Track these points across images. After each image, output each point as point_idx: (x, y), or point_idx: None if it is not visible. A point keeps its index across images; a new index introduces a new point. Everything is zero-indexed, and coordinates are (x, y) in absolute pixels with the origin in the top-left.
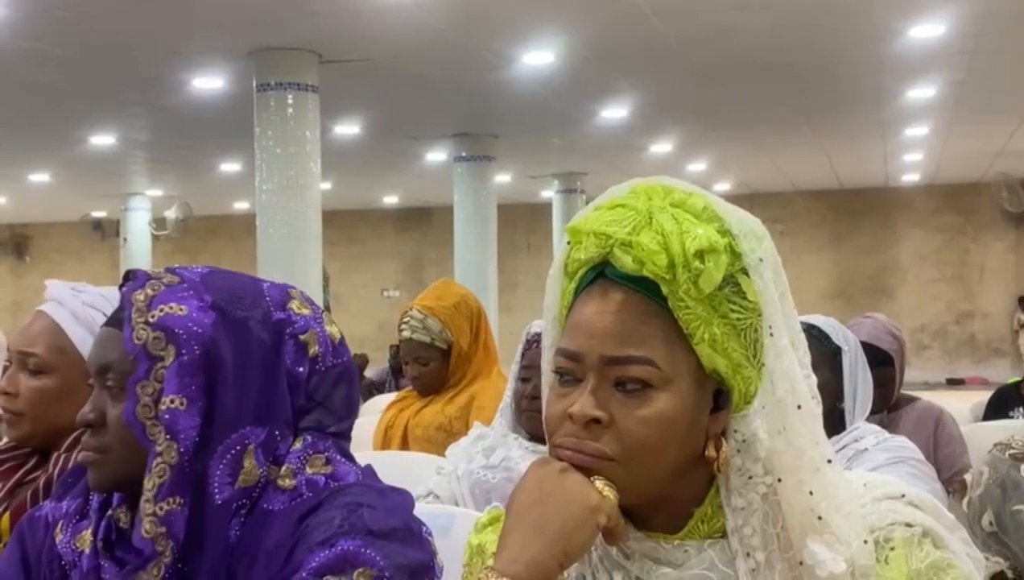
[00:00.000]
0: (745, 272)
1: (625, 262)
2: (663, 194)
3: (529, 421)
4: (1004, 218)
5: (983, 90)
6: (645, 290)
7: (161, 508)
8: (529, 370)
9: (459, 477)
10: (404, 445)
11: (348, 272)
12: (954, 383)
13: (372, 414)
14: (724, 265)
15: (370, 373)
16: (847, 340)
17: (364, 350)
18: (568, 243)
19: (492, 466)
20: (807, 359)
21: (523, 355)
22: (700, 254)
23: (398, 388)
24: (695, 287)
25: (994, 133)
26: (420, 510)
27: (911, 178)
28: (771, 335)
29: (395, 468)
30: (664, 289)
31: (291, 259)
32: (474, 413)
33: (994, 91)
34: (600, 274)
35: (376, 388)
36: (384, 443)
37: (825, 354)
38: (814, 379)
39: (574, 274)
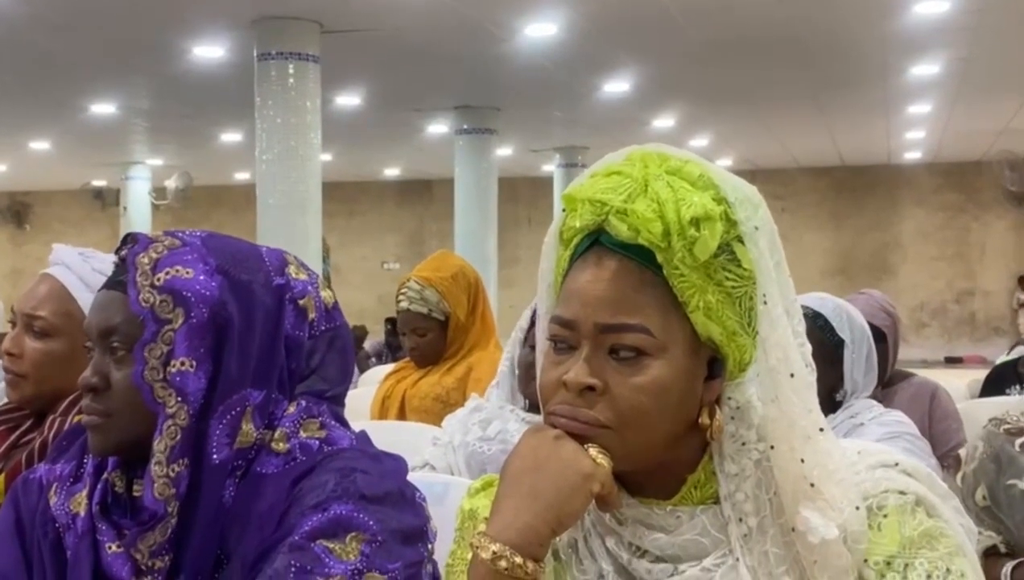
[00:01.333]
0: (740, 240)
1: (620, 230)
2: (659, 161)
3: (535, 392)
4: (1006, 197)
5: (987, 68)
6: (640, 258)
7: (173, 470)
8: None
9: (455, 448)
10: (401, 415)
11: (348, 244)
12: (952, 362)
13: (370, 385)
14: (719, 233)
15: (368, 345)
16: (852, 330)
17: (363, 322)
18: (564, 210)
19: (488, 438)
20: (801, 328)
21: (531, 325)
22: (695, 222)
23: (394, 362)
24: (690, 255)
25: (997, 111)
26: (415, 478)
27: (913, 156)
28: (765, 303)
29: (391, 438)
30: (659, 257)
31: (291, 230)
32: (471, 384)
33: (998, 69)
34: (595, 242)
35: (373, 360)
36: (381, 413)
37: (827, 346)
38: (808, 347)
39: (569, 242)
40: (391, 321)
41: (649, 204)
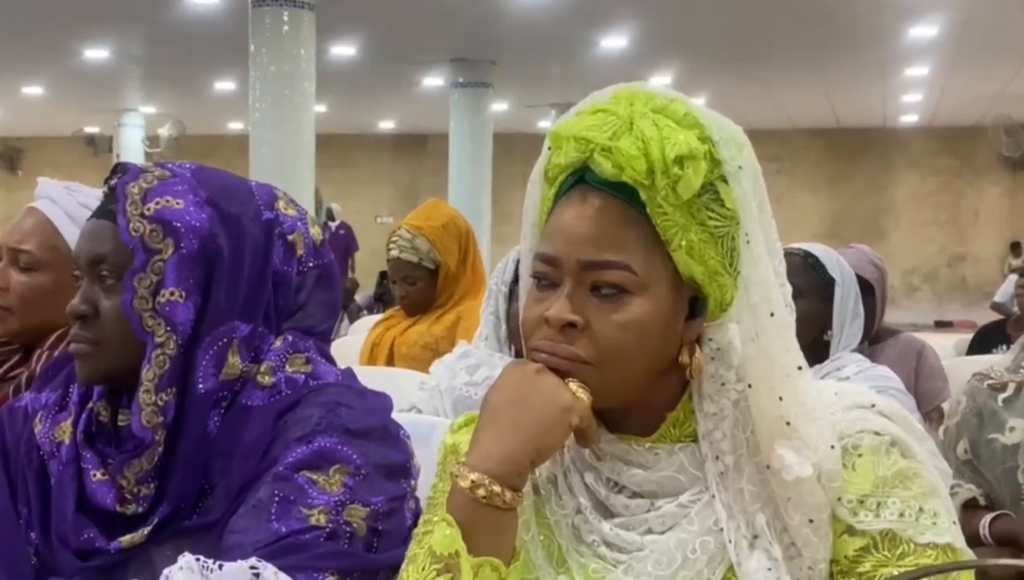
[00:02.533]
0: (724, 180)
1: (604, 167)
2: (645, 99)
3: (520, 341)
4: (1000, 163)
5: (985, 31)
6: (624, 196)
7: (161, 399)
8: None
9: (442, 393)
10: (390, 363)
11: (342, 197)
12: (942, 326)
13: (359, 333)
14: (703, 172)
15: (359, 298)
16: (843, 273)
17: (356, 275)
18: (549, 148)
19: (475, 383)
20: (782, 269)
21: (515, 277)
22: (679, 160)
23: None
24: (674, 193)
25: (995, 75)
26: (401, 418)
27: (909, 119)
28: (747, 243)
29: (379, 383)
30: (643, 195)
31: (284, 180)
32: (460, 333)
33: (996, 32)
34: (580, 180)
35: (364, 313)
36: (370, 360)
37: (818, 283)
38: (789, 288)
39: (554, 180)
40: (383, 274)
41: (634, 142)
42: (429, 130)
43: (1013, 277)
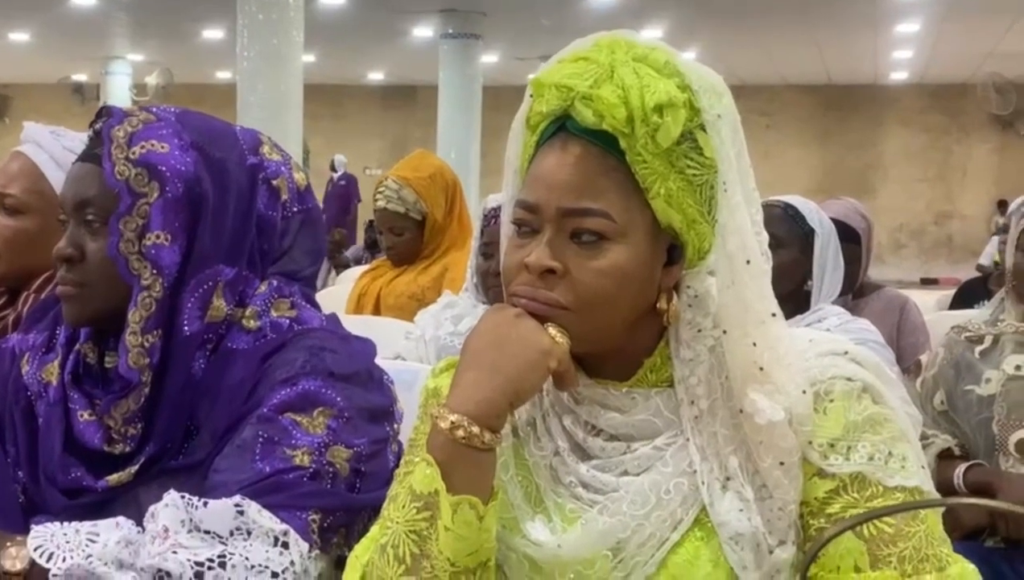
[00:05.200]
0: (703, 128)
1: (585, 115)
2: (626, 48)
3: (496, 297)
4: (990, 121)
5: None
6: (604, 144)
7: (147, 340)
8: (490, 246)
9: (426, 341)
10: (376, 312)
11: (331, 148)
12: (928, 283)
13: (346, 283)
14: (683, 120)
15: (348, 250)
16: (822, 224)
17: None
18: (531, 95)
19: (460, 333)
20: (759, 217)
21: (482, 232)
22: (659, 109)
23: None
24: (653, 141)
25: (986, 33)
26: (386, 366)
27: (900, 76)
28: (725, 191)
29: (365, 332)
30: (623, 143)
31: (271, 130)
32: (446, 284)
33: None
34: (561, 127)
35: (352, 265)
36: (357, 310)
37: (798, 234)
38: (765, 236)
39: (536, 127)
40: (371, 222)
41: (614, 90)
42: (418, 82)
43: (996, 238)
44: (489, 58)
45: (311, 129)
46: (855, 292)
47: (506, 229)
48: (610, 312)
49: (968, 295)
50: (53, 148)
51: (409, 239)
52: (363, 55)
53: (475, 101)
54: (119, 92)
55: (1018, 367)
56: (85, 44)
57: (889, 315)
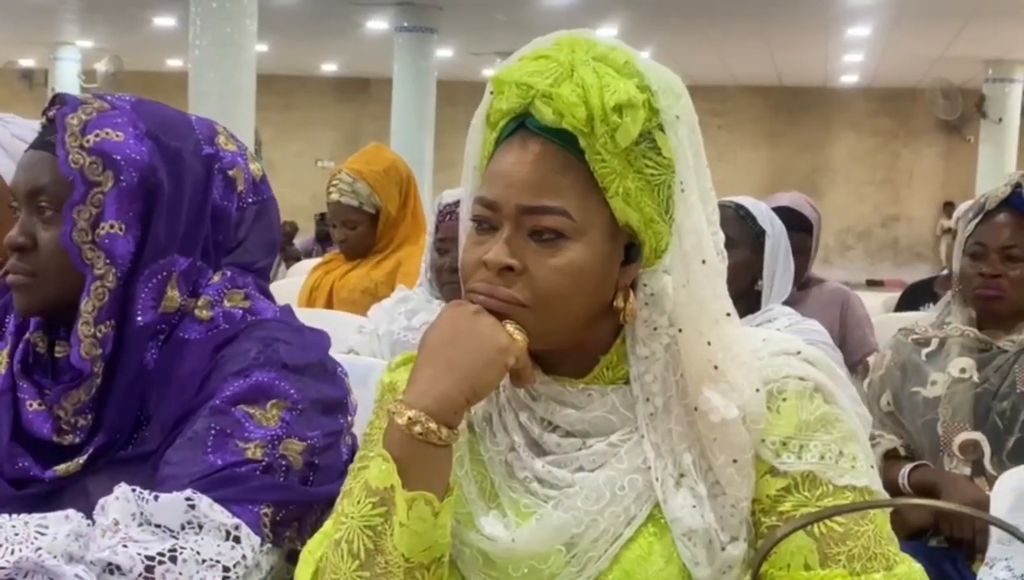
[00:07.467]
0: (661, 128)
1: (545, 113)
2: (586, 47)
3: (451, 294)
4: (937, 125)
5: None
6: (563, 142)
7: (100, 330)
8: (445, 242)
9: (380, 336)
10: (328, 306)
11: (283, 139)
12: (874, 284)
13: (298, 276)
14: (641, 120)
15: (298, 243)
16: (773, 225)
17: (295, 219)
18: (491, 93)
19: (413, 328)
20: (715, 217)
21: (437, 228)
22: (619, 108)
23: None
24: (612, 141)
25: (934, 38)
26: (339, 358)
27: (850, 80)
28: (682, 191)
29: (317, 325)
30: (582, 142)
31: (223, 120)
32: (400, 278)
33: None
34: (521, 125)
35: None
36: (309, 304)
37: (749, 234)
38: (721, 236)
39: (496, 124)
40: (322, 215)
41: (574, 89)
42: (372, 74)
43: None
44: (444, 52)
45: (261, 120)
46: (800, 284)
47: (465, 225)
48: (567, 309)
49: (914, 297)
50: (2, 136)
51: (362, 233)
52: (317, 46)
53: (429, 95)
54: (68, 79)
55: (963, 370)
56: (34, 29)
57: (831, 309)
